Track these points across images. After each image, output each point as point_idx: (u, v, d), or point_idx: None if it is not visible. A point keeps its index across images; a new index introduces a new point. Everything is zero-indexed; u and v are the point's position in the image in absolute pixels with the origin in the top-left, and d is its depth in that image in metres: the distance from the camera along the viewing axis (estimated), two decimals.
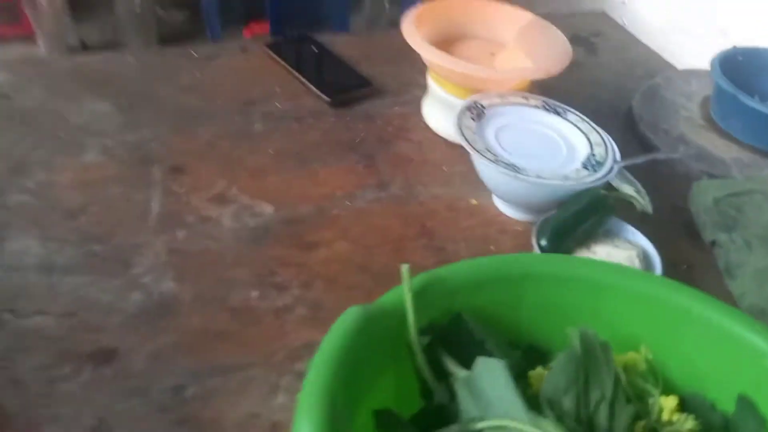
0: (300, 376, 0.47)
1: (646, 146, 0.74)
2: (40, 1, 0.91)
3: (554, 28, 0.73)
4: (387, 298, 0.39)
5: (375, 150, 0.71)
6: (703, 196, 0.63)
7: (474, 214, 0.65)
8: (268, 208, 0.62)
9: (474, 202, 0.65)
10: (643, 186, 0.64)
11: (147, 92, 0.75)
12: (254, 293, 0.54)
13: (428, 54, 0.66)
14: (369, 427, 0.37)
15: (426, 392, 0.40)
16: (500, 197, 0.64)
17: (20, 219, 0.58)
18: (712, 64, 0.74)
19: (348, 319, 0.36)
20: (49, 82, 0.74)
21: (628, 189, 0.63)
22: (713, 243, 0.61)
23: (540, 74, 0.66)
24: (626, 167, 0.63)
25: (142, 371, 0.48)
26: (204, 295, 0.54)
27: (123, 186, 0.63)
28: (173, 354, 0.49)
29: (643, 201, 0.63)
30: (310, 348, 0.48)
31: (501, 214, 0.65)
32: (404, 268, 0.38)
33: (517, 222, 0.64)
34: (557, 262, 0.43)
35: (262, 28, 1.03)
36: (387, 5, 1.08)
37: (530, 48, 0.73)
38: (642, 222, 0.60)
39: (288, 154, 0.69)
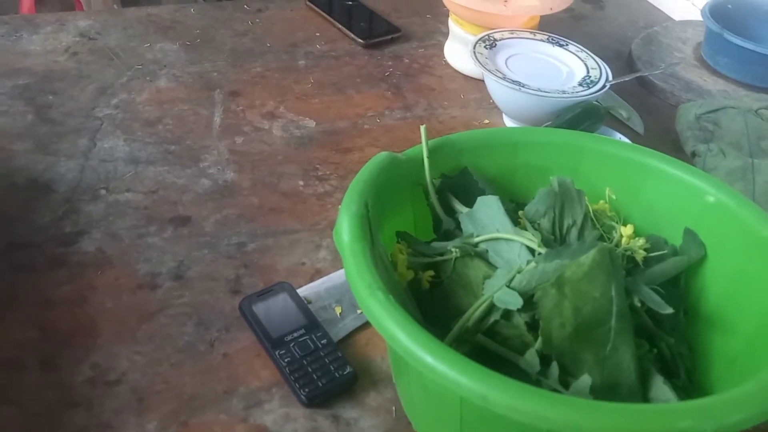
0: None
1: (644, 83, 0.84)
2: None
3: None
4: (409, 151, 0.50)
5: (402, 81, 0.82)
6: (687, 114, 0.73)
7: None
8: (310, 123, 0.74)
9: (486, 121, 0.76)
10: (638, 113, 0.73)
11: (207, 36, 0.87)
12: (300, 182, 0.66)
13: None
14: (391, 245, 0.47)
15: (437, 227, 0.50)
16: (508, 115, 0.74)
17: (108, 126, 0.71)
18: (704, 8, 0.83)
19: (379, 158, 0.47)
20: (126, 27, 0.87)
21: (621, 109, 0.73)
22: (693, 154, 0.71)
23: (545, 10, 0.76)
24: (627, 100, 0.73)
25: (212, 232, 0.60)
26: (259, 182, 0.66)
27: (190, 104, 0.75)
28: (236, 221, 0.61)
29: (634, 119, 0.73)
30: None
31: None
32: (422, 128, 0.49)
33: None
34: (544, 132, 0.54)
35: None
36: None
37: None
38: (635, 142, 0.70)
39: (327, 84, 0.80)
